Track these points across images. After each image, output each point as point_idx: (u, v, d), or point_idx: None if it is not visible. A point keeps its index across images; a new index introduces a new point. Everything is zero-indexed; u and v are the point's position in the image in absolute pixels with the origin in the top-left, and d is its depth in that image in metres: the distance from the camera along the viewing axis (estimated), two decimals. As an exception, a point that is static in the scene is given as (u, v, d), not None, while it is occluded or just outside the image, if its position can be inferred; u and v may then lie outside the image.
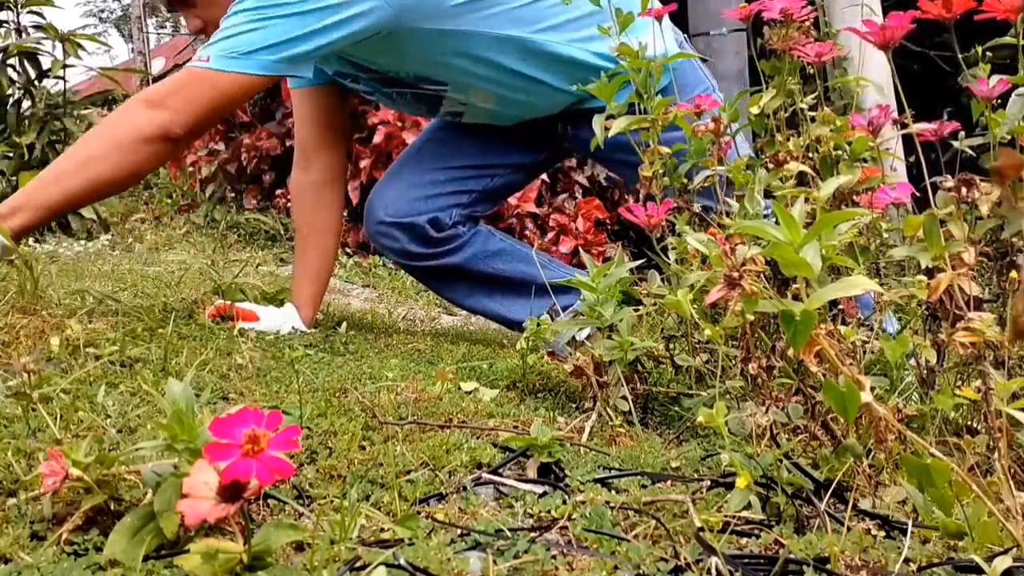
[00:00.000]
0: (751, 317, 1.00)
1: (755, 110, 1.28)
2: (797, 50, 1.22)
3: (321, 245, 1.98)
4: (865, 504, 0.90)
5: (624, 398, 1.27)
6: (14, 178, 3.49)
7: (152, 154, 1.62)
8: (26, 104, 3.62)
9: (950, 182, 0.98)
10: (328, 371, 1.45)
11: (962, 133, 1.13)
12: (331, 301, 2.67)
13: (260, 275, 3.05)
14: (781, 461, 0.91)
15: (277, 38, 1.59)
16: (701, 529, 0.80)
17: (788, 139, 1.26)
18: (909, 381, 1.13)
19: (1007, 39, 1.05)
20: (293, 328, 1.83)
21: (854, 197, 1.21)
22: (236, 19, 1.61)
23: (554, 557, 0.77)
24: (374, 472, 0.97)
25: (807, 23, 1.23)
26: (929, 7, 1.00)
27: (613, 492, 0.94)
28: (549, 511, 0.87)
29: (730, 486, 0.91)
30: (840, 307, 1.18)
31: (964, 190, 0.96)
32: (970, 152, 1.12)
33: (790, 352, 1.01)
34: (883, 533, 0.84)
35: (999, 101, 1.07)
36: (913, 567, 0.77)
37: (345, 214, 4.09)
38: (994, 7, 0.99)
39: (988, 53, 1.08)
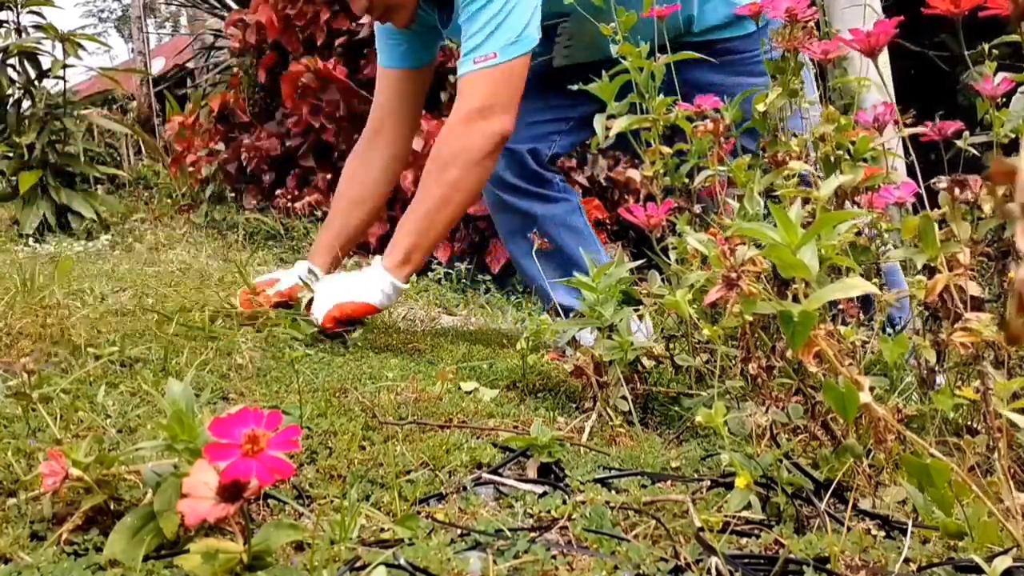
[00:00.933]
0: (749, 317, 1.00)
1: (761, 108, 1.27)
2: (804, 48, 1.22)
3: (356, 214, 2.01)
4: (865, 504, 0.90)
5: (624, 398, 1.27)
6: (14, 178, 3.49)
7: (495, 160, 1.77)
8: (26, 104, 3.61)
9: (944, 182, 0.98)
10: (328, 371, 1.45)
11: (966, 133, 1.13)
12: (331, 301, 2.67)
13: (261, 274, 3.05)
14: (781, 461, 0.91)
15: (529, 10, 1.70)
16: (701, 529, 0.80)
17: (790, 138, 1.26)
18: (909, 381, 1.13)
19: (1013, 37, 1.05)
20: (309, 270, 1.84)
21: (856, 197, 1.21)
22: (491, 9, 1.68)
23: (554, 557, 0.77)
24: (374, 472, 0.97)
25: (811, 23, 1.23)
26: (937, 3, 1.00)
27: (613, 492, 0.94)
28: (549, 511, 0.87)
29: (730, 486, 0.91)
30: (840, 307, 1.18)
31: (957, 190, 0.96)
32: (973, 152, 1.12)
33: (790, 352, 1.01)
34: (883, 533, 0.84)
35: (1003, 99, 1.07)
36: (913, 567, 0.77)
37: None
38: (998, 4, 0.99)
39: (994, 51, 1.08)
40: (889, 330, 1.34)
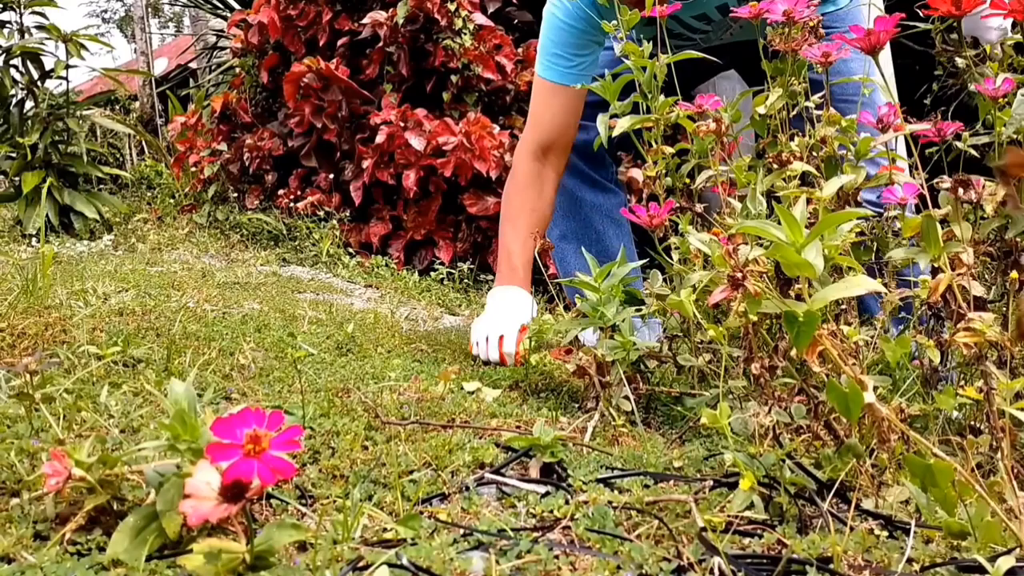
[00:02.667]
0: (754, 317, 1.00)
1: (761, 110, 1.27)
2: (803, 51, 1.21)
3: (535, 229, 1.96)
4: (868, 504, 0.90)
5: (627, 398, 1.27)
6: (17, 178, 3.49)
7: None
8: (29, 104, 3.62)
9: (948, 182, 0.98)
10: (331, 371, 1.45)
11: (966, 133, 1.13)
12: (333, 302, 2.67)
13: (263, 275, 3.06)
14: (784, 461, 0.91)
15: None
16: (704, 529, 0.80)
17: (791, 139, 1.26)
18: (912, 381, 1.13)
19: (1015, 37, 1.04)
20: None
21: (858, 197, 1.21)
22: None
23: (557, 557, 0.77)
24: (376, 472, 0.97)
25: (811, 23, 1.23)
26: (939, 3, 1.00)
27: (616, 492, 0.94)
28: (552, 511, 0.87)
29: (733, 486, 0.91)
30: (843, 307, 1.18)
31: (961, 190, 0.96)
32: (973, 152, 1.12)
33: (792, 352, 1.01)
34: (886, 533, 0.84)
35: (1005, 100, 1.06)
36: (916, 567, 0.76)
37: (347, 214, 4.10)
38: (1001, 5, 0.98)
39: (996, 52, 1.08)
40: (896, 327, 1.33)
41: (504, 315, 1.74)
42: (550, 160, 1.95)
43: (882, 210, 1.23)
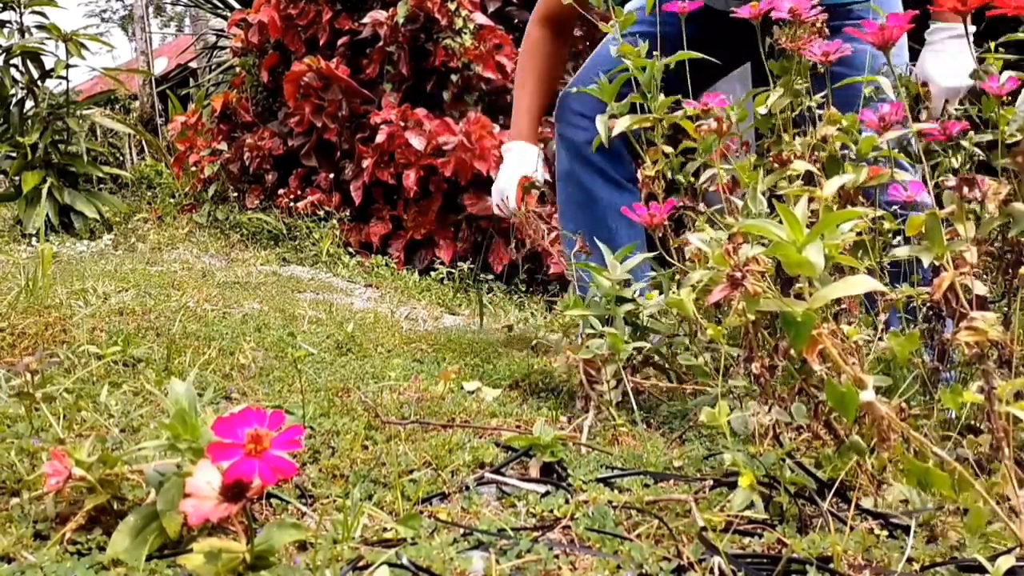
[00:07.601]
0: (752, 316, 1.00)
1: (763, 109, 1.27)
2: (805, 50, 1.21)
3: (543, 89, 2.16)
4: (868, 503, 0.90)
5: (625, 395, 1.27)
6: (17, 178, 3.50)
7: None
8: (29, 104, 3.62)
9: (953, 181, 0.97)
10: (331, 371, 1.45)
11: (971, 132, 1.13)
12: (333, 301, 2.67)
13: (263, 274, 3.06)
14: (784, 460, 0.91)
15: None
16: (704, 528, 0.80)
17: (794, 138, 1.26)
18: (912, 380, 1.13)
19: (1019, 35, 1.04)
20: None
21: (860, 196, 1.20)
22: None
23: (556, 557, 0.77)
24: (377, 471, 0.97)
25: (817, 22, 1.22)
26: (944, 1, 1.00)
27: (616, 491, 0.94)
28: (552, 510, 0.87)
29: (733, 486, 0.91)
30: (844, 306, 1.18)
31: (966, 189, 0.96)
32: (978, 152, 1.12)
33: (793, 351, 1.01)
34: (886, 532, 0.84)
35: (1008, 98, 1.06)
36: (916, 567, 0.76)
37: (347, 214, 4.10)
38: (1005, 2, 0.98)
39: (1000, 49, 1.07)
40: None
41: (508, 174, 2.01)
42: (554, 28, 2.14)
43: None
